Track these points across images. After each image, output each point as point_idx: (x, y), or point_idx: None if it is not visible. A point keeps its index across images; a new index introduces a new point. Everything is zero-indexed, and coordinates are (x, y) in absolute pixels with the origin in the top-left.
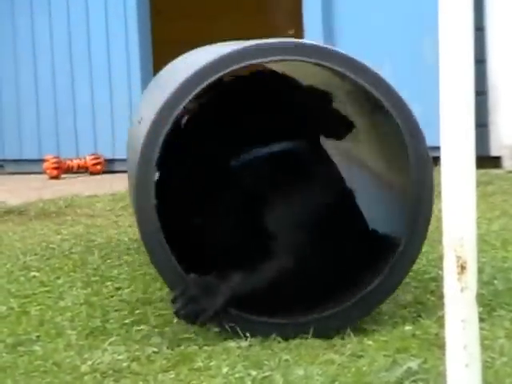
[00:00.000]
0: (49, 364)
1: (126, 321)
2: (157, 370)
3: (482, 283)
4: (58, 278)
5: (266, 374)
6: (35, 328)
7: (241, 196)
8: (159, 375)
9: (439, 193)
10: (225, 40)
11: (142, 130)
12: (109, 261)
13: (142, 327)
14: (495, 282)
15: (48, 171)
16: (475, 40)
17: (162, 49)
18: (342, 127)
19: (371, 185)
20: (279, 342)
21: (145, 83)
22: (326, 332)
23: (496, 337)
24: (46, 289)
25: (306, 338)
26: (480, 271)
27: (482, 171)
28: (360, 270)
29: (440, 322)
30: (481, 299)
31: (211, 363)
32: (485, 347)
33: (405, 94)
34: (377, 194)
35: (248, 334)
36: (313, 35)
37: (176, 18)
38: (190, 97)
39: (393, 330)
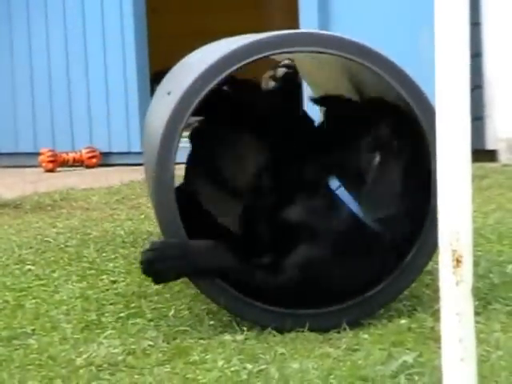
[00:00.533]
0: (44, 357)
1: (122, 314)
2: (152, 364)
3: (477, 277)
4: (54, 271)
5: (262, 367)
6: (30, 321)
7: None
8: (155, 369)
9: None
10: (222, 36)
11: (170, 103)
12: (104, 254)
13: (137, 320)
14: (491, 275)
15: (43, 164)
16: (471, 34)
17: (157, 44)
18: None
19: None
20: (275, 336)
21: (140, 77)
22: (322, 327)
23: (491, 330)
24: (42, 282)
25: (302, 332)
26: (475, 265)
27: (478, 165)
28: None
29: (435, 315)
30: (476, 293)
31: (207, 356)
32: (480, 341)
33: None
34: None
35: (244, 328)
36: (308, 28)
37: (172, 14)
38: (220, 78)
39: (388, 323)
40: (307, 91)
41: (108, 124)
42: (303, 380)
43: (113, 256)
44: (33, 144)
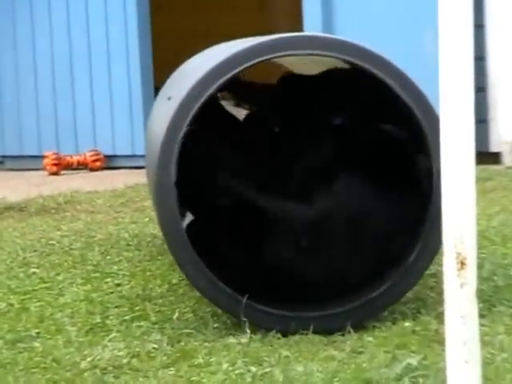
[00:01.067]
0: (49, 360)
1: (126, 317)
2: (157, 367)
3: (481, 279)
4: (58, 274)
5: (266, 370)
6: (35, 324)
7: None
8: (159, 371)
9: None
10: (226, 38)
11: (171, 108)
12: (108, 257)
13: (141, 323)
14: (495, 277)
15: (48, 167)
16: (475, 37)
17: (161, 44)
18: None
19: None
20: (279, 339)
21: (144, 80)
22: (327, 329)
23: (496, 333)
24: (46, 285)
25: (307, 334)
26: (480, 267)
27: (482, 167)
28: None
29: (440, 318)
30: (481, 295)
31: (211, 359)
32: (485, 343)
33: None
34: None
35: (248, 330)
36: (312, 30)
37: (176, 13)
38: (222, 81)
39: (392, 326)
40: None
41: (112, 127)
42: (308, 383)
43: (117, 259)
44: (37, 147)
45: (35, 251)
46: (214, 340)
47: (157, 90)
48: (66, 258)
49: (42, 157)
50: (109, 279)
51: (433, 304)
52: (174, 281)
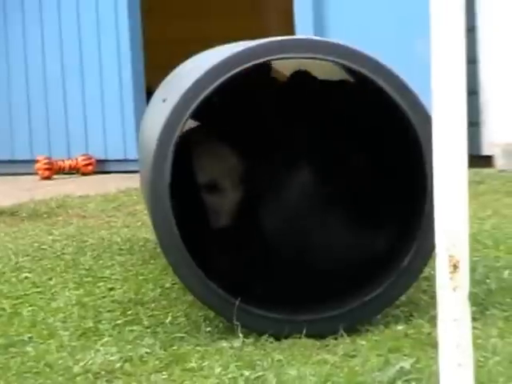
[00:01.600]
0: (41, 365)
1: (119, 321)
2: (149, 371)
3: (474, 282)
4: (50, 278)
5: (259, 374)
6: (27, 329)
7: None
8: (152, 376)
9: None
10: (220, 41)
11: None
12: (101, 261)
13: (134, 328)
14: (487, 281)
15: (40, 172)
16: (467, 40)
17: (153, 48)
18: None
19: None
20: (272, 342)
21: (136, 84)
22: (319, 333)
23: (489, 336)
24: (38, 290)
25: (299, 338)
26: (472, 270)
27: (474, 170)
28: (363, 277)
29: (432, 321)
30: (473, 298)
31: (204, 363)
32: (477, 346)
33: None
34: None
35: (241, 334)
36: (304, 33)
37: (167, 17)
38: (216, 84)
39: (385, 329)
40: None
41: (104, 131)
42: None
43: (109, 263)
44: (29, 151)
45: (27, 256)
46: (207, 344)
47: (149, 93)
48: (58, 262)
49: (34, 161)
50: (101, 283)
51: (425, 307)
52: (167, 285)
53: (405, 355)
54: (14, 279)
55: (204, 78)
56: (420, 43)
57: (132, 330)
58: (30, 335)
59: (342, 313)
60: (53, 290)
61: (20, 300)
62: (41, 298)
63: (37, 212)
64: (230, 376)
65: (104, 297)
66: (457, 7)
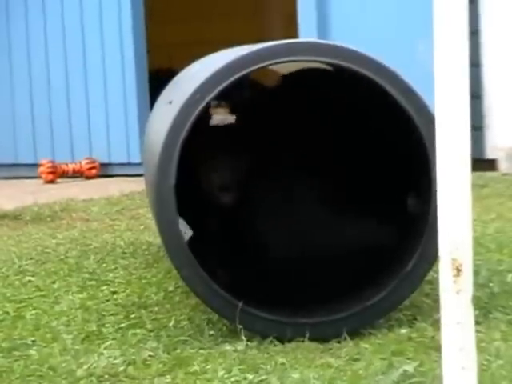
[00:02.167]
0: (44, 368)
1: (122, 325)
2: (153, 374)
3: (477, 286)
4: (54, 282)
5: (263, 377)
6: (31, 332)
7: None
8: (155, 379)
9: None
10: (222, 45)
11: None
12: (104, 265)
13: (137, 331)
14: (491, 284)
15: (43, 175)
16: (470, 44)
17: (156, 52)
18: None
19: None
20: (275, 346)
21: (139, 88)
22: (323, 336)
23: (492, 339)
24: (42, 293)
25: (303, 341)
26: (475, 274)
27: (478, 174)
28: (366, 281)
29: (436, 324)
30: (476, 302)
31: (207, 367)
32: (481, 350)
33: None
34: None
35: (244, 338)
36: (307, 37)
37: (171, 21)
38: (222, 87)
39: (389, 333)
40: None
41: (107, 135)
42: None
43: (113, 266)
44: (33, 155)
45: (31, 259)
46: (210, 347)
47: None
48: (61, 265)
49: (38, 165)
50: (104, 287)
51: (429, 311)
52: (170, 288)
53: (408, 358)
54: (17, 283)
55: (209, 81)
56: (423, 46)
57: (135, 334)
58: (33, 338)
59: (345, 316)
60: (56, 294)
61: (23, 303)
62: (44, 302)
63: (40, 215)
64: (233, 379)
65: (107, 300)
66: (460, 10)
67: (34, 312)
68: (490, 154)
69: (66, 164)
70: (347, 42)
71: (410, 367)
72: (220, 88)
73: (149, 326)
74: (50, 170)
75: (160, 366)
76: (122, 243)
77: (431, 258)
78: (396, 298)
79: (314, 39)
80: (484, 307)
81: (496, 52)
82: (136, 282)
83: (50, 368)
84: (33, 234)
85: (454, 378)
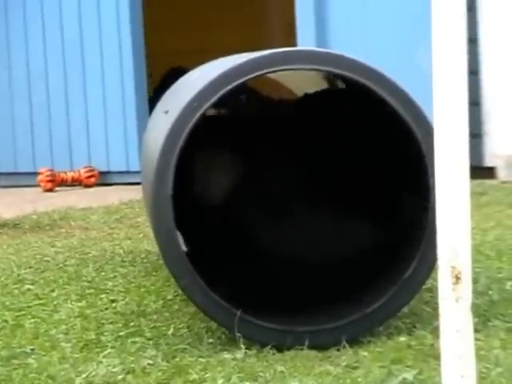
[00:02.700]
0: (43, 377)
1: (121, 333)
2: (152, 383)
3: (476, 294)
4: (53, 290)
5: None
6: (30, 341)
7: None
8: None
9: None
10: (221, 53)
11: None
12: (103, 273)
13: (136, 339)
14: (490, 292)
15: (42, 184)
16: (469, 52)
17: (155, 60)
18: None
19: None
20: (274, 354)
21: (139, 96)
22: (321, 344)
23: (491, 347)
24: (41, 302)
25: (302, 349)
26: (475, 282)
27: (477, 182)
28: (365, 288)
29: (435, 332)
30: (476, 310)
31: (206, 375)
32: (480, 358)
33: None
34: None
35: (243, 346)
36: (306, 45)
37: (169, 29)
38: (219, 95)
39: (388, 340)
40: None
41: (106, 143)
42: None
43: (112, 275)
44: (31, 164)
45: (30, 268)
46: (209, 355)
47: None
48: (60, 274)
49: (36, 173)
50: (103, 295)
51: (428, 318)
52: (169, 296)
53: (407, 366)
54: (16, 291)
55: (207, 89)
56: (422, 54)
57: (134, 342)
58: (32, 347)
59: (344, 324)
60: (55, 302)
61: (22, 312)
62: (43, 310)
63: (39, 224)
64: None
65: (106, 308)
66: (458, 18)
67: (32, 320)
68: (488, 161)
69: (65, 172)
70: (346, 50)
71: (409, 375)
72: (217, 96)
73: (148, 335)
74: (48, 178)
75: (159, 374)
76: (120, 251)
77: (430, 264)
78: (395, 304)
79: (312, 48)
80: (483, 315)
81: (494, 59)
82: (135, 290)
83: (48, 376)
84: (32, 242)
85: None
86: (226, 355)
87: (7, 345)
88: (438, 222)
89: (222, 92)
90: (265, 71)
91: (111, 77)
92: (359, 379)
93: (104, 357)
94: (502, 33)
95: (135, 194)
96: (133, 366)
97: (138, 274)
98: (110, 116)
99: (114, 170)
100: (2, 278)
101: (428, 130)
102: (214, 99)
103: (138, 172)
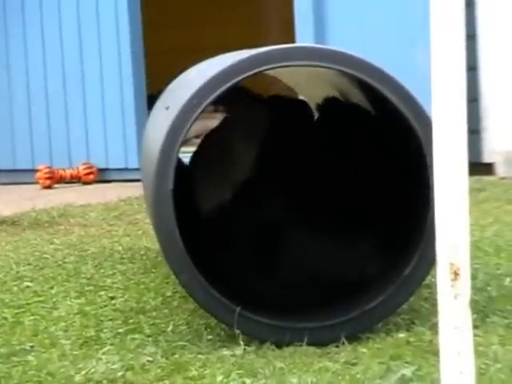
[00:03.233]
0: (43, 374)
1: (120, 330)
2: (151, 379)
3: (475, 290)
4: (52, 287)
5: (261, 382)
6: (29, 338)
7: None
8: None
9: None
10: (219, 51)
11: (169, 117)
12: (102, 270)
13: (136, 336)
14: (488, 288)
15: (41, 181)
16: (467, 47)
17: (154, 59)
18: None
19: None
20: (273, 350)
21: (137, 94)
22: (320, 341)
23: (490, 343)
24: (40, 299)
25: (301, 346)
26: (473, 278)
27: (475, 178)
28: (365, 285)
29: (434, 328)
30: (474, 306)
31: (206, 372)
32: (479, 354)
33: None
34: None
35: (242, 342)
36: (304, 42)
37: (168, 27)
38: (219, 92)
39: (387, 337)
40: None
41: (105, 140)
42: None
43: (111, 272)
44: (30, 161)
45: (29, 265)
46: (209, 352)
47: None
48: (59, 271)
49: (35, 170)
50: (103, 292)
51: (427, 315)
52: (168, 293)
53: (406, 363)
54: (15, 288)
55: (206, 86)
56: (420, 50)
57: (134, 339)
58: (31, 344)
59: (343, 320)
60: (54, 299)
61: (22, 309)
62: (42, 307)
63: (38, 221)
64: None
65: (105, 305)
66: (457, 14)
67: (32, 318)
68: (487, 157)
69: (64, 169)
70: (344, 47)
71: (408, 371)
72: (217, 93)
73: (147, 331)
74: (47, 175)
75: (158, 371)
76: (119, 248)
77: (429, 262)
78: (394, 302)
79: (312, 44)
80: (482, 311)
81: (493, 55)
82: (134, 287)
83: (48, 374)
84: (31, 239)
85: (452, 383)
86: (226, 352)
87: (7, 342)
88: (437, 218)
89: (221, 89)
90: (264, 68)
91: (110, 74)
92: (358, 375)
93: (103, 354)
94: (501, 29)
95: (134, 190)
96: (132, 362)
97: (137, 271)
98: (108, 112)
99: (113, 167)
100: (1, 275)
101: (429, 127)
102: (213, 96)
103: (136, 169)
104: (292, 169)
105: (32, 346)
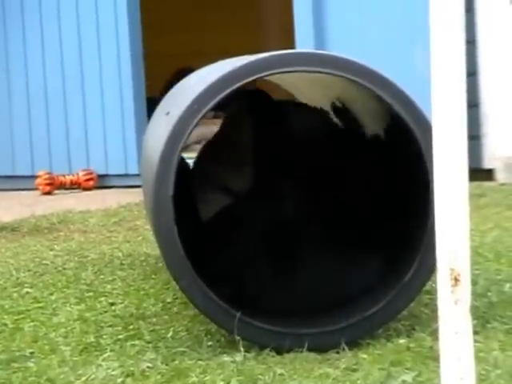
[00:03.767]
0: (43, 380)
1: (120, 336)
2: None
3: (475, 295)
4: (52, 294)
5: None
6: (29, 344)
7: None
8: None
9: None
10: (220, 56)
11: (170, 122)
12: (102, 276)
13: (136, 342)
14: (489, 294)
15: (41, 187)
16: (467, 53)
17: (153, 63)
18: None
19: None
20: (273, 356)
21: (137, 100)
22: (321, 347)
23: (490, 349)
24: (40, 305)
25: (301, 352)
26: (473, 283)
27: (475, 184)
28: (365, 291)
29: (434, 334)
30: (475, 311)
31: (206, 378)
32: (479, 359)
33: None
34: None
35: (242, 349)
36: (304, 48)
37: (168, 32)
38: (219, 98)
39: (387, 343)
40: None
41: (105, 146)
42: None
43: (111, 278)
44: (30, 167)
45: (28, 271)
46: (209, 358)
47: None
48: (59, 277)
49: (35, 176)
50: (102, 298)
51: (427, 321)
52: (168, 299)
53: (407, 369)
54: (15, 295)
55: (207, 92)
56: (419, 57)
57: (134, 345)
58: (31, 350)
59: (343, 327)
60: (54, 305)
61: (21, 315)
62: (42, 314)
63: (38, 227)
64: None
65: (105, 312)
66: (457, 19)
67: (32, 324)
68: (487, 163)
69: (64, 175)
70: (344, 53)
71: (408, 377)
72: (217, 99)
73: (147, 338)
74: (47, 181)
75: (158, 377)
76: (119, 254)
77: (429, 268)
78: (394, 308)
79: (313, 50)
80: (482, 317)
81: (493, 61)
82: (134, 293)
83: (48, 380)
84: (30, 245)
85: None
86: (226, 358)
87: (6, 348)
88: (437, 224)
89: (222, 95)
90: (264, 74)
91: (109, 79)
92: (358, 381)
93: (103, 360)
94: (500, 34)
95: (134, 196)
96: (132, 369)
97: (137, 277)
98: (108, 119)
99: (113, 172)
100: (1, 282)
101: (429, 133)
102: (214, 102)
103: (136, 175)
104: (297, 172)
105: (32, 352)
